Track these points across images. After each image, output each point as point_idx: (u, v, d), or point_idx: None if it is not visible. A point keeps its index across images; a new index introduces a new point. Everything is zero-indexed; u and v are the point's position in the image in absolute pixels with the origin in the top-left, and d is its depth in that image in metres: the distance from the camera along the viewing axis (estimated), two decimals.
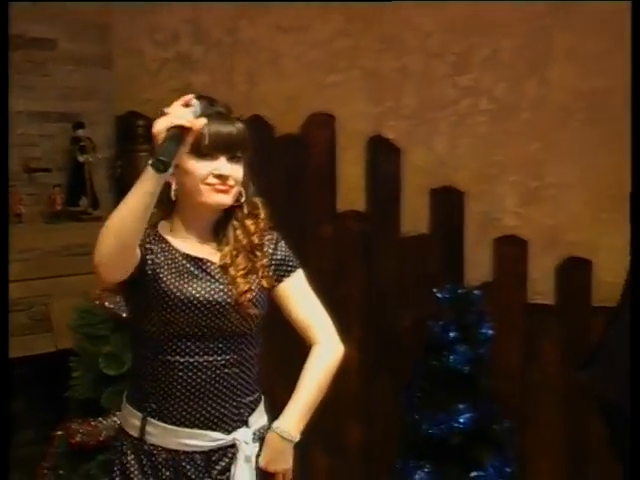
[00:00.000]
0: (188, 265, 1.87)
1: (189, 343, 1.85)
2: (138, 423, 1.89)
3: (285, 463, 1.94)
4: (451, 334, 3.60)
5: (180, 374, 1.85)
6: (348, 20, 3.96)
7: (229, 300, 1.87)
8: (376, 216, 4.02)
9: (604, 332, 2.08)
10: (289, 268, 1.97)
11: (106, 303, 3.02)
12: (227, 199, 1.88)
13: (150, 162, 1.66)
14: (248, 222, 1.93)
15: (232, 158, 1.86)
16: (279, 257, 1.96)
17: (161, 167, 1.66)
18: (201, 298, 1.85)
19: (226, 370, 1.88)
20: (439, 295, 3.69)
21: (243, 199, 1.92)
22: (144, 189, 1.67)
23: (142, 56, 4.03)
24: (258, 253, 1.92)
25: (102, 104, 3.94)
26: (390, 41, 3.96)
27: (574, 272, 4.00)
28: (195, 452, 1.88)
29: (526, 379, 3.99)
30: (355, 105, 3.98)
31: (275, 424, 1.93)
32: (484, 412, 3.57)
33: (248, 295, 1.87)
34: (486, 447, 3.58)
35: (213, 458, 1.89)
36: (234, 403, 1.90)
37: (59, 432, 3.06)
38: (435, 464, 3.55)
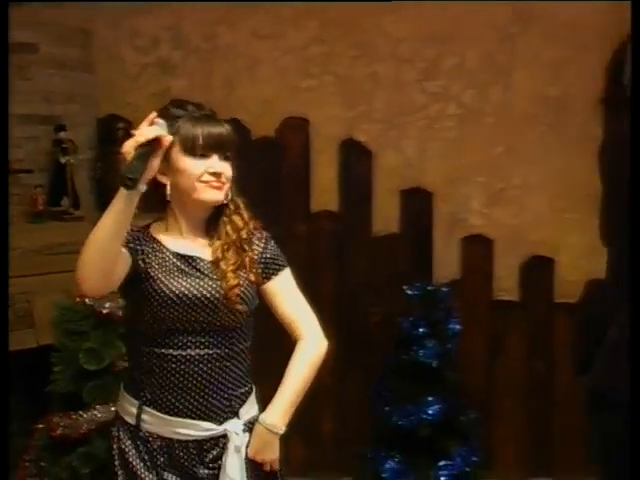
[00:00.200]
0: (178, 263, 1.90)
1: (181, 337, 1.87)
2: (134, 411, 1.92)
3: (272, 454, 1.96)
4: (420, 330, 3.61)
5: (173, 366, 1.88)
6: (322, 27, 3.96)
7: (217, 296, 1.88)
8: (348, 216, 4.02)
9: (600, 332, 2.09)
10: (277, 267, 1.99)
11: (87, 300, 2.99)
12: (220, 195, 1.91)
13: (120, 181, 1.69)
14: (236, 218, 1.96)
15: (223, 157, 1.91)
16: (268, 256, 1.98)
17: (130, 184, 1.68)
18: (190, 294, 1.87)
19: (217, 363, 1.90)
20: (409, 292, 3.70)
21: (229, 197, 1.95)
22: (116, 207, 1.70)
23: (122, 61, 4.00)
24: (246, 247, 1.95)
25: (83, 107, 3.90)
26: (362, 48, 3.96)
27: (537, 270, 4.03)
28: (188, 441, 1.90)
29: (491, 372, 4.02)
30: (328, 109, 3.98)
31: (262, 417, 1.95)
32: (452, 404, 3.59)
33: (236, 290, 1.89)
34: (453, 437, 3.59)
35: (205, 447, 1.91)
36: (225, 395, 1.92)
37: (41, 425, 3.03)
38: (405, 454, 3.55)
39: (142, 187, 1.72)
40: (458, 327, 3.68)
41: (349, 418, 3.95)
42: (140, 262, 1.87)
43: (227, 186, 1.92)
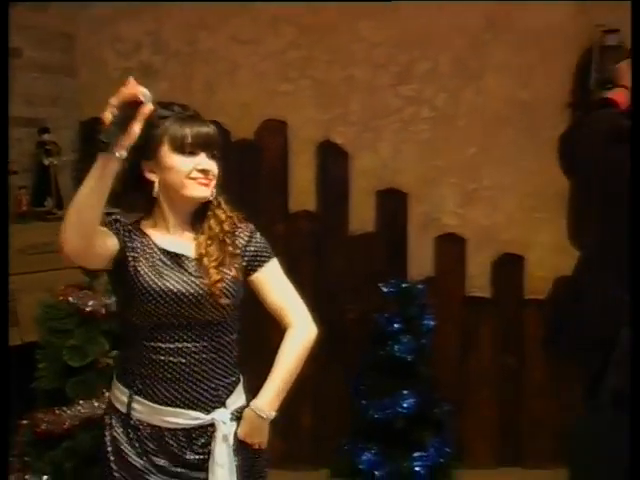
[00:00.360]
0: (165, 259, 1.93)
1: (169, 331, 1.90)
2: (126, 400, 1.94)
3: (261, 437, 1.98)
4: (395, 325, 3.63)
5: (162, 358, 1.90)
6: (300, 33, 3.96)
7: (201, 291, 1.91)
8: (326, 216, 4.03)
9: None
10: (263, 258, 2.00)
11: (70, 298, 2.97)
12: (207, 192, 1.94)
13: (95, 145, 1.70)
14: (219, 212, 1.98)
15: (210, 155, 1.94)
16: (252, 249, 1.99)
17: (103, 147, 1.69)
18: (176, 290, 1.89)
19: (204, 355, 1.92)
20: (384, 289, 3.71)
21: (214, 194, 1.98)
22: (93, 173, 1.71)
23: (104, 65, 3.98)
24: (228, 240, 1.96)
25: (66, 110, 3.88)
26: (338, 53, 3.97)
27: (508, 267, 4.05)
28: (177, 429, 1.92)
29: (464, 366, 4.04)
30: (306, 112, 3.98)
31: (252, 403, 1.97)
32: (426, 397, 3.61)
33: (219, 285, 1.91)
34: (427, 429, 3.61)
35: (194, 435, 1.93)
36: (212, 385, 1.93)
37: (25, 421, 3.00)
38: (381, 446, 3.57)
39: (121, 153, 1.71)
40: (432, 323, 3.70)
41: (327, 412, 3.96)
42: (130, 257, 1.89)
43: (213, 183, 1.94)
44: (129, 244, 1.91)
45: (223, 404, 1.95)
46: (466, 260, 4.06)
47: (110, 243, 1.86)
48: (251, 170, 3.95)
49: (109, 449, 1.95)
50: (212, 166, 1.93)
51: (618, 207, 1.97)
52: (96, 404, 2.86)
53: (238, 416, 1.96)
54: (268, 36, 3.97)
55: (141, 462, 1.91)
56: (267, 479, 2.05)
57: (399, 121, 4.02)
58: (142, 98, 1.73)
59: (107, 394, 2.69)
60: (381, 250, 4.01)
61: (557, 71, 3.91)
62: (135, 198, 1.98)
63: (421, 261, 4.03)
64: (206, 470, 1.92)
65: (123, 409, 1.94)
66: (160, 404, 1.91)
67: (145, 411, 1.92)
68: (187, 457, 1.92)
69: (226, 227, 1.97)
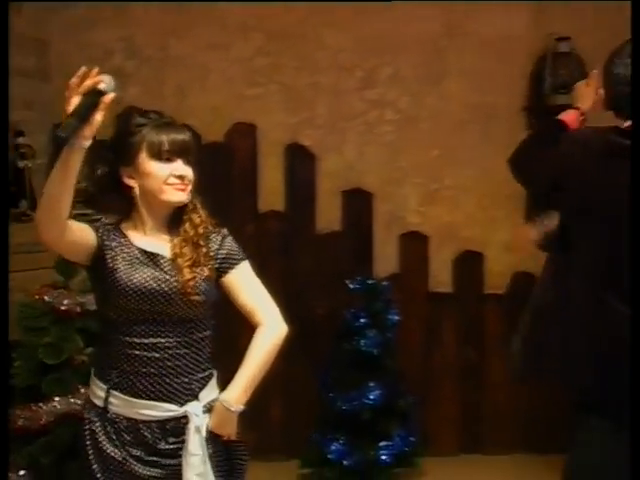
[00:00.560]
0: (141, 257, 1.95)
1: (143, 327, 1.91)
2: (103, 395, 1.95)
3: (230, 429, 2.00)
4: (361, 320, 3.65)
5: (137, 352, 1.91)
6: (267, 39, 3.96)
7: (174, 289, 1.93)
8: (294, 216, 4.04)
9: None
10: (234, 261, 2.02)
11: (45, 297, 2.95)
12: (184, 196, 1.96)
13: (54, 139, 1.74)
14: (194, 216, 2.00)
15: (186, 161, 1.96)
16: (224, 252, 2.01)
17: (60, 142, 1.71)
18: (149, 287, 1.91)
19: (177, 350, 1.93)
20: (351, 286, 3.73)
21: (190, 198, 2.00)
22: (59, 164, 1.76)
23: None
24: (202, 243, 1.98)
25: (41, 114, 3.84)
26: (305, 59, 3.98)
27: (469, 264, 4.09)
28: (152, 421, 1.94)
29: (428, 359, 4.07)
30: (274, 116, 3.98)
31: (221, 396, 1.98)
32: (391, 389, 3.63)
33: (191, 283, 1.93)
34: (393, 420, 3.63)
35: (167, 427, 1.94)
36: (185, 379, 1.95)
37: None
38: (349, 436, 3.59)
39: (84, 143, 1.73)
40: (397, 318, 3.73)
41: (297, 404, 3.97)
42: (108, 256, 1.92)
43: (189, 188, 1.97)
44: (107, 242, 1.93)
45: (196, 397, 1.96)
46: (429, 257, 4.09)
47: (88, 237, 1.91)
48: (222, 172, 3.94)
49: (88, 443, 1.96)
50: (188, 172, 1.95)
51: (617, 220, 1.91)
52: (72, 400, 2.84)
53: (210, 409, 1.98)
54: (237, 42, 3.96)
55: (119, 453, 1.92)
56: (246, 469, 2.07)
57: (364, 124, 4.04)
58: (103, 87, 1.73)
59: (83, 390, 2.69)
60: (347, 248, 4.03)
61: (513, 77, 3.96)
62: (115, 202, 1.99)
63: (386, 258, 4.05)
64: (179, 457, 1.93)
65: (100, 403, 1.95)
66: (136, 397, 1.92)
67: (121, 404, 1.93)
68: (161, 447, 1.93)
69: (200, 230, 1.99)
